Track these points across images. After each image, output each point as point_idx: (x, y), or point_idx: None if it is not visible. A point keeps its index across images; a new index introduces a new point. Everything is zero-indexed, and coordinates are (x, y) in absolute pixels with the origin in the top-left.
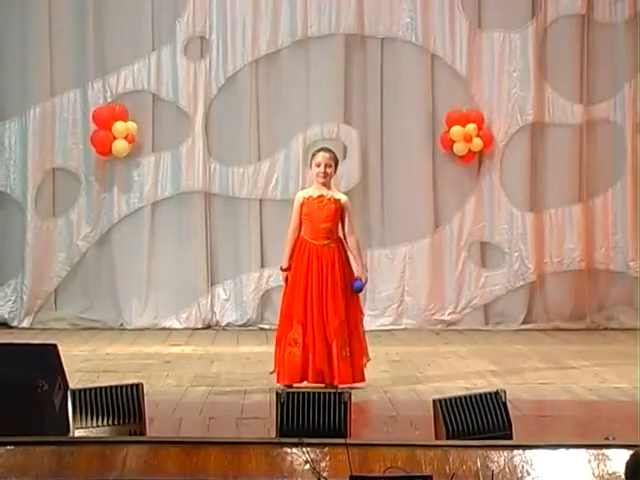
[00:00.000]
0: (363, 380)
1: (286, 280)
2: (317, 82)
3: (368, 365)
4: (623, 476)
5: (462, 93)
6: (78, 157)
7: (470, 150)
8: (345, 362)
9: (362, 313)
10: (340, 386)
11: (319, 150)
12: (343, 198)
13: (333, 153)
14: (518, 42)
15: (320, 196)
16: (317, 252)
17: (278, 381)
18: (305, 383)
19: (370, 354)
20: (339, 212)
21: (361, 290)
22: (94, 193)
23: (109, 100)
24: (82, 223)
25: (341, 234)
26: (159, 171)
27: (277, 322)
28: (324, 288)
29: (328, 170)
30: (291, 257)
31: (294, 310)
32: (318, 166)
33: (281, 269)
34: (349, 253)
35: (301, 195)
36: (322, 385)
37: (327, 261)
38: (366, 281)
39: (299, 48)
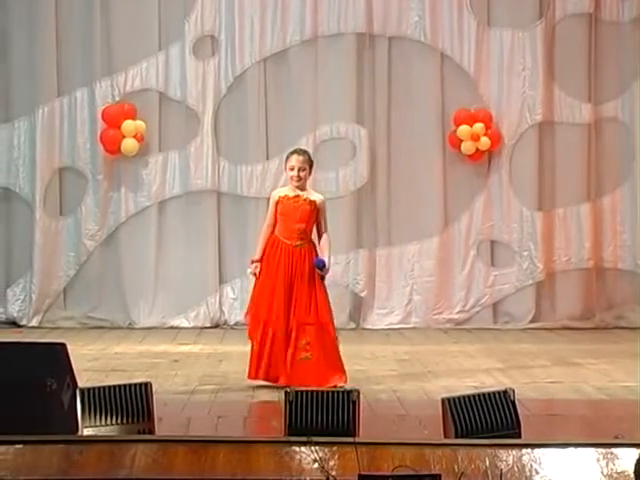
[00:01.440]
0: (339, 382)
1: (255, 273)
2: (326, 81)
3: (376, 364)
4: (632, 475)
5: (471, 92)
6: (86, 156)
7: (478, 149)
8: (303, 364)
9: (332, 316)
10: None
11: (293, 153)
12: (319, 199)
13: (307, 155)
14: (527, 41)
15: (296, 196)
16: (288, 252)
17: (249, 377)
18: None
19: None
20: (314, 213)
21: (323, 265)
22: (102, 192)
23: (117, 99)
24: (90, 222)
25: (315, 234)
26: (167, 170)
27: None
28: (292, 288)
29: (301, 174)
30: (263, 252)
31: (259, 308)
32: (292, 170)
33: (251, 261)
34: (318, 249)
35: (277, 193)
36: (274, 385)
37: (297, 261)
38: (328, 269)
39: (308, 47)
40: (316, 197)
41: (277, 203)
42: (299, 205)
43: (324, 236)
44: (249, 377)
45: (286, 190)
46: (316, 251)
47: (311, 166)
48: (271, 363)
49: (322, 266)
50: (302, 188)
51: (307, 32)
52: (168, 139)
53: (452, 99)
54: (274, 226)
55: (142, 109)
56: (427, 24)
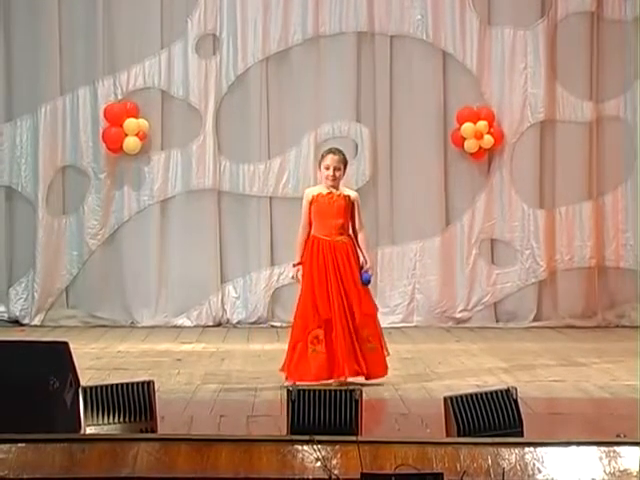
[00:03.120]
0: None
1: (298, 277)
2: (328, 80)
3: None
4: (636, 473)
5: (473, 90)
6: (88, 155)
7: (481, 147)
8: (372, 354)
9: (376, 307)
10: (370, 381)
11: (328, 152)
12: (353, 194)
13: (342, 155)
14: (529, 39)
15: (330, 193)
16: (331, 247)
17: (294, 379)
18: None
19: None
20: (349, 208)
21: (369, 282)
22: (104, 190)
23: (120, 97)
24: (92, 221)
25: (351, 230)
26: (169, 168)
27: (290, 320)
28: (344, 282)
29: (337, 173)
30: (303, 254)
31: (318, 307)
32: (327, 169)
33: (293, 265)
34: (357, 246)
35: (310, 193)
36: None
37: (342, 255)
38: (372, 274)
39: (310, 46)
40: (350, 192)
41: (311, 203)
42: (334, 201)
43: (362, 235)
44: (318, 379)
45: (319, 188)
46: (356, 246)
47: (345, 166)
48: (336, 360)
49: (368, 282)
50: (336, 188)
51: (309, 31)
52: (170, 137)
53: (454, 97)
54: (310, 226)
55: (144, 107)
56: (429, 22)
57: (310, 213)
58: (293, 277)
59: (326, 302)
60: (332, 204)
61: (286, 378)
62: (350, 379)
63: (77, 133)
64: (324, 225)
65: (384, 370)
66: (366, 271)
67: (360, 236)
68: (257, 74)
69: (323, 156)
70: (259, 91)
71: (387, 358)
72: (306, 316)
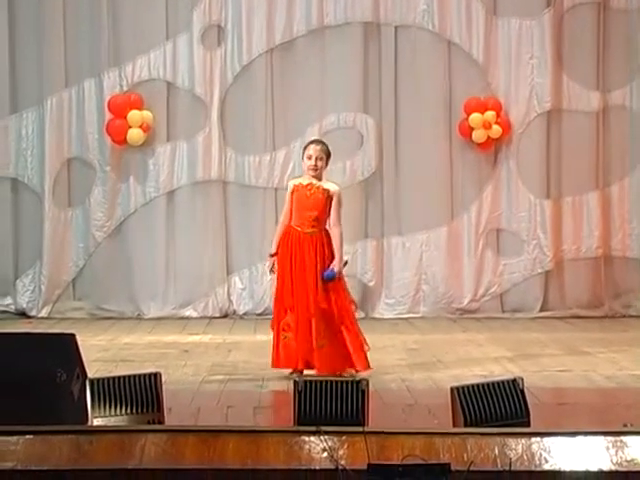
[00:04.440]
0: (363, 369)
1: (274, 269)
2: (333, 71)
3: (385, 353)
4: None
5: (479, 80)
6: (94, 147)
7: (489, 137)
8: (320, 351)
9: (352, 302)
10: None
11: (311, 142)
12: (332, 188)
13: (325, 146)
14: (535, 29)
15: (309, 184)
16: (298, 239)
17: (272, 366)
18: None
19: (369, 343)
20: (328, 202)
21: (331, 280)
22: (110, 183)
23: (125, 89)
24: (98, 213)
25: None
26: (175, 160)
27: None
28: (304, 274)
29: (319, 163)
30: (279, 244)
31: (284, 296)
32: (309, 159)
33: (270, 255)
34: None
35: (292, 182)
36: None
37: (308, 247)
38: (339, 273)
39: (315, 37)
40: (330, 186)
41: (292, 192)
42: (312, 193)
43: (336, 231)
44: (273, 366)
45: (301, 179)
46: (329, 242)
47: (328, 157)
48: (295, 351)
49: (328, 279)
50: (318, 178)
51: (314, 22)
52: (176, 129)
53: (460, 88)
54: (290, 216)
55: (150, 99)
56: (435, 12)
57: (291, 203)
58: (268, 267)
59: (290, 292)
60: (309, 196)
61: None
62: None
63: (83, 125)
64: (299, 216)
65: (337, 367)
66: (330, 269)
67: (333, 232)
68: (262, 65)
69: (306, 146)
70: (264, 82)
71: (385, 350)
72: (277, 305)
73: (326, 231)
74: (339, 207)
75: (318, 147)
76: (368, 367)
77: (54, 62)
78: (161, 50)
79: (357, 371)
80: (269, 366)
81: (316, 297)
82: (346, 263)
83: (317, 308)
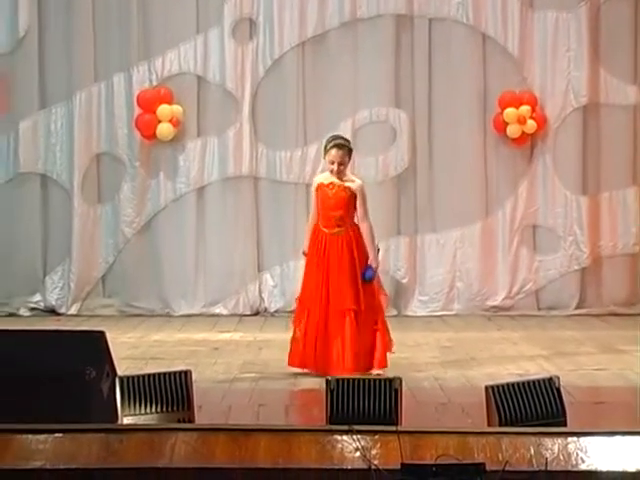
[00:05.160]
0: (382, 367)
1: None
2: (365, 64)
3: (418, 351)
4: None
5: (514, 74)
6: (123, 142)
7: (524, 132)
8: (346, 353)
9: (384, 295)
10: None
11: (332, 147)
12: (355, 184)
13: (347, 148)
14: (571, 22)
15: (331, 183)
16: (326, 241)
17: (289, 364)
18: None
19: (401, 341)
20: (352, 199)
21: (372, 278)
22: (139, 178)
23: (154, 83)
24: (127, 209)
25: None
26: (205, 155)
27: None
28: (330, 275)
29: (341, 167)
30: (309, 243)
31: (305, 297)
32: (331, 163)
33: (303, 253)
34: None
35: (316, 180)
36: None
37: (336, 250)
38: (376, 269)
39: (347, 30)
40: (352, 183)
41: (317, 190)
42: (334, 193)
43: (365, 226)
44: (292, 365)
45: (323, 177)
46: (359, 238)
47: (350, 155)
48: (310, 352)
49: (370, 279)
50: (340, 178)
51: (346, 14)
52: (206, 124)
53: (495, 82)
54: (318, 214)
55: (180, 93)
56: (469, 5)
57: (317, 200)
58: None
59: (315, 295)
60: (332, 196)
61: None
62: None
63: (112, 120)
64: (324, 216)
65: (367, 365)
66: (368, 267)
67: (362, 228)
68: (294, 59)
69: (327, 149)
70: (296, 76)
71: (424, 347)
72: (302, 303)
73: (354, 226)
74: (364, 202)
75: (340, 152)
76: (385, 365)
77: (83, 56)
78: (191, 44)
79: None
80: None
81: (341, 300)
82: (378, 250)
83: (338, 309)
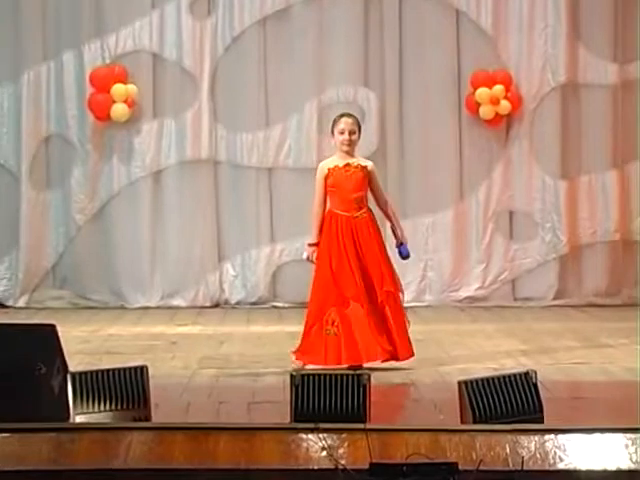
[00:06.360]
0: (407, 357)
1: (313, 259)
2: (331, 41)
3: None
4: None
5: (488, 51)
6: (74, 124)
7: (497, 113)
8: (399, 334)
9: (400, 287)
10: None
11: (341, 116)
12: (369, 164)
13: (356, 118)
14: None
15: (346, 165)
16: (351, 224)
17: (304, 362)
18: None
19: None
20: (367, 180)
21: (409, 256)
22: (91, 162)
23: (108, 62)
24: (79, 195)
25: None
26: (162, 138)
27: (293, 300)
28: (365, 260)
29: (353, 137)
30: (320, 233)
31: (341, 287)
32: (342, 133)
33: (309, 245)
34: (388, 219)
35: (325, 166)
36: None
37: (363, 232)
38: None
39: (311, 4)
40: (366, 163)
41: (327, 177)
42: (352, 173)
43: (388, 205)
44: (317, 363)
45: (333, 160)
46: (375, 220)
47: (360, 129)
48: (353, 345)
49: (407, 256)
50: (351, 154)
51: None
52: (163, 104)
53: (468, 59)
54: (325, 203)
55: (134, 72)
56: None
57: (325, 188)
58: (308, 258)
59: (350, 281)
60: (350, 177)
61: (296, 358)
62: (368, 364)
63: (62, 101)
64: (342, 200)
65: (411, 351)
66: (403, 244)
67: (387, 206)
68: (254, 35)
69: (336, 121)
70: (257, 53)
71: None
72: (322, 297)
73: (370, 210)
74: (379, 182)
75: (350, 120)
76: (412, 354)
77: (31, 33)
78: (147, 19)
79: (399, 360)
80: (293, 360)
81: (382, 282)
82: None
83: (386, 292)
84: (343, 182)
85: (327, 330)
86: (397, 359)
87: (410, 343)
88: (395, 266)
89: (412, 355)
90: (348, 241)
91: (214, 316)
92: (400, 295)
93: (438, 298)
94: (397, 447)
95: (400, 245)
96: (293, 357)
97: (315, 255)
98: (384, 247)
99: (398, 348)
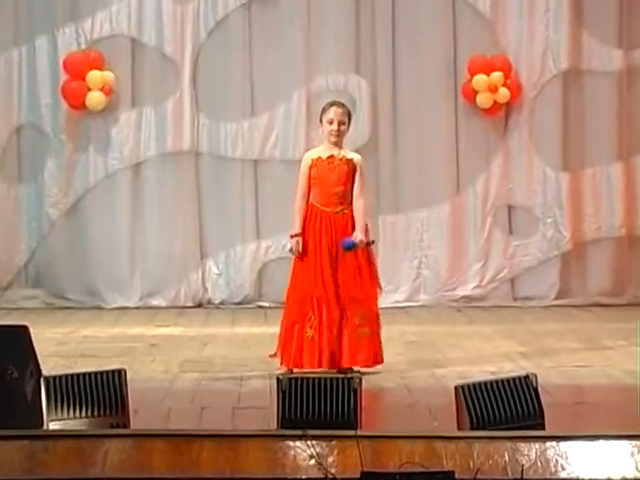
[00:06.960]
0: (382, 362)
1: (299, 249)
2: (321, 26)
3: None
4: None
5: (486, 36)
6: (47, 112)
7: (496, 102)
8: (362, 341)
9: (380, 288)
10: (355, 369)
11: (331, 104)
12: (356, 157)
13: (346, 108)
14: None
15: (330, 156)
16: (329, 220)
17: (292, 366)
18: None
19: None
20: (352, 174)
21: (350, 249)
22: (66, 153)
23: (83, 47)
24: (53, 188)
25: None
26: (141, 128)
27: (281, 299)
28: (337, 259)
29: (342, 127)
30: (303, 225)
31: (310, 285)
32: (331, 123)
33: (291, 236)
34: (353, 217)
35: (309, 156)
36: (334, 370)
37: (340, 230)
38: (361, 244)
39: None
40: (353, 155)
41: (311, 167)
42: (335, 166)
43: (361, 203)
44: (293, 366)
45: (319, 151)
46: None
47: (350, 119)
48: (333, 348)
49: (347, 248)
50: (339, 145)
51: None
52: (142, 92)
53: (465, 45)
54: (309, 194)
55: (111, 58)
56: None
57: (309, 178)
58: (291, 250)
59: (319, 280)
60: (333, 169)
61: (281, 363)
62: (355, 367)
63: (35, 88)
64: (323, 193)
65: (378, 359)
66: (351, 238)
67: (358, 203)
68: (240, 19)
69: (325, 109)
70: (242, 39)
71: (388, 343)
72: (303, 294)
73: (352, 205)
74: (363, 177)
75: (340, 110)
76: (381, 361)
77: (1, 16)
78: (125, 2)
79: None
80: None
81: (356, 283)
82: (372, 242)
83: (353, 297)
84: (325, 174)
85: (308, 332)
86: (344, 367)
87: (377, 350)
88: (387, 264)
89: (374, 363)
90: (325, 237)
91: (196, 317)
92: (377, 295)
93: (433, 297)
94: (390, 455)
95: (346, 238)
96: (278, 362)
97: (300, 245)
98: (366, 248)
99: (344, 353)
